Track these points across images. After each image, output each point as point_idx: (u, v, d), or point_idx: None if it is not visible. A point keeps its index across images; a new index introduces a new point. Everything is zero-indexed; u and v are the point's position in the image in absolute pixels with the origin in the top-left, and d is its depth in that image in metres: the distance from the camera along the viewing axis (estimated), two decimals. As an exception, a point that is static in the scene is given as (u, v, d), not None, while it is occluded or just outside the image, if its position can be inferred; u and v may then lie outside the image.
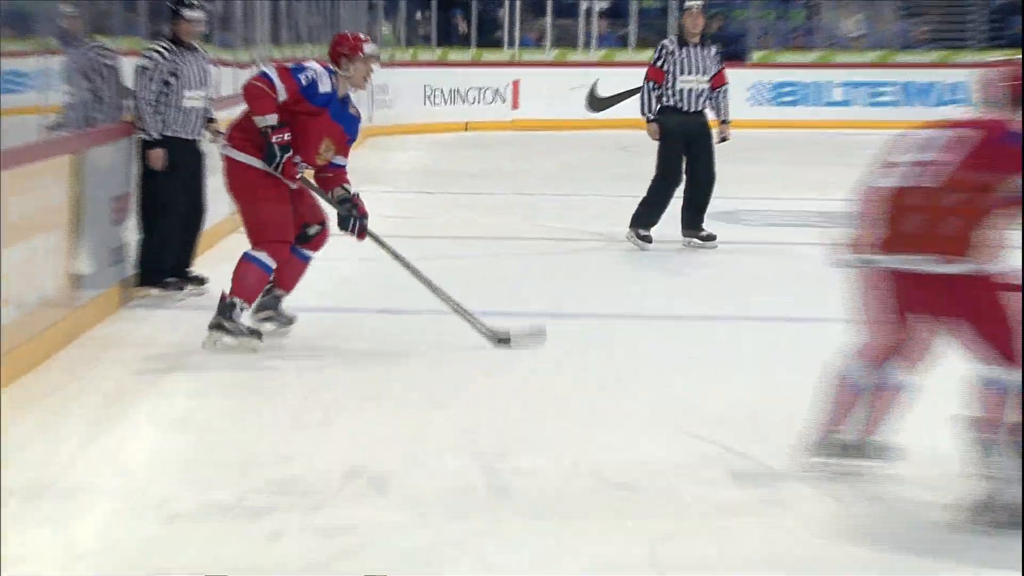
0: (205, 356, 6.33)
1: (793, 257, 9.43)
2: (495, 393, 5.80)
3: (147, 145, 7.44)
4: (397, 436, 5.11)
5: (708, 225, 9.79)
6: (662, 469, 4.72)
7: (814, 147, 18.54)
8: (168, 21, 7.62)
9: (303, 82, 6.38)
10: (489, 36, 22.22)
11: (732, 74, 10.19)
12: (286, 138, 6.36)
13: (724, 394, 5.77)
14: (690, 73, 9.60)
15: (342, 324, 7.02)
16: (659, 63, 9.63)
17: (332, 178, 6.65)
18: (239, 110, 6.59)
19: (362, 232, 6.64)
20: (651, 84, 9.64)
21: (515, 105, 20.80)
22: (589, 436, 5.14)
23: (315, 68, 6.46)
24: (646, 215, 9.71)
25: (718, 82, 9.74)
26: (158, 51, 7.49)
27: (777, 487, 4.57)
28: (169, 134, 7.50)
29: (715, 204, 11.97)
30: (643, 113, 9.67)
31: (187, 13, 7.53)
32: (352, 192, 6.65)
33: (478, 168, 15.67)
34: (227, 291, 6.43)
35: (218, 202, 8.98)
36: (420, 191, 13.42)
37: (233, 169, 6.49)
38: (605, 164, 15.57)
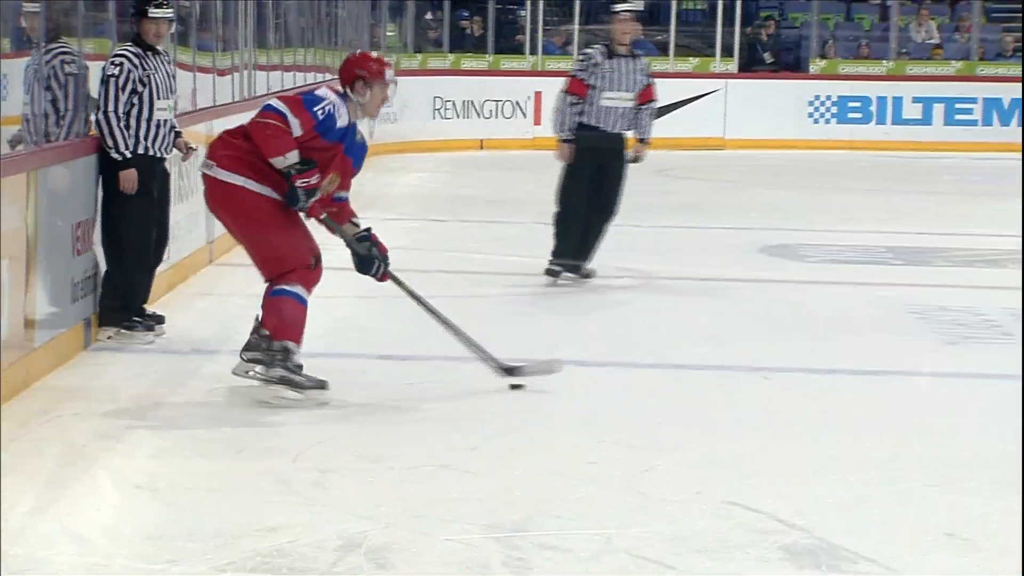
0: (175, 409, 6.32)
1: (860, 299, 9.39)
2: (515, 454, 5.78)
3: (115, 165, 7.45)
4: (400, 503, 5.08)
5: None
6: (708, 546, 4.69)
7: (883, 171, 18.53)
8: (132, 21, 7.64)
9: (319, 116, 6.35)
10: (508, 41, 22.29)
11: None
12: (313, 182, 6.33)
13: (781, 459, 5.74)
14: (617, 89, 9.51)
15: (337, 372, 6.99)
16: (583, 75, 9.54)
17: (337, 213, 6.63)
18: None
19: (385, 274, 6.64)
20: (571, 99, 9.55)
21: (537, 121, 20.84)
22: (624, 506, 5.11)
23: (331, 99, 6.41)
24: (558, 247, 9.65)
25: (645, 98, 9.63)
26: (127, 56, 7.51)
27: (841, 567, 4.53)
28: (140, 151, 7.52)
29: (769, 237, 12.03)
30: (557, 131, 9.60)
31: (153, 12, 7.55)
32: (367, 228, 6.64)
33: (495, 193, 15.69)
34: (266, 333, 6.41)
35: (191, 230, 9.02)
36: (428, 219, 13.44)
37: (229, 194, 6.42)
38: (639, 189, 15.51)
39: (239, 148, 6.43)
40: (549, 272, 9.63)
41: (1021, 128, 20.10)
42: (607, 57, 9.53)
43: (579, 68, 9.62)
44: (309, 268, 6.46)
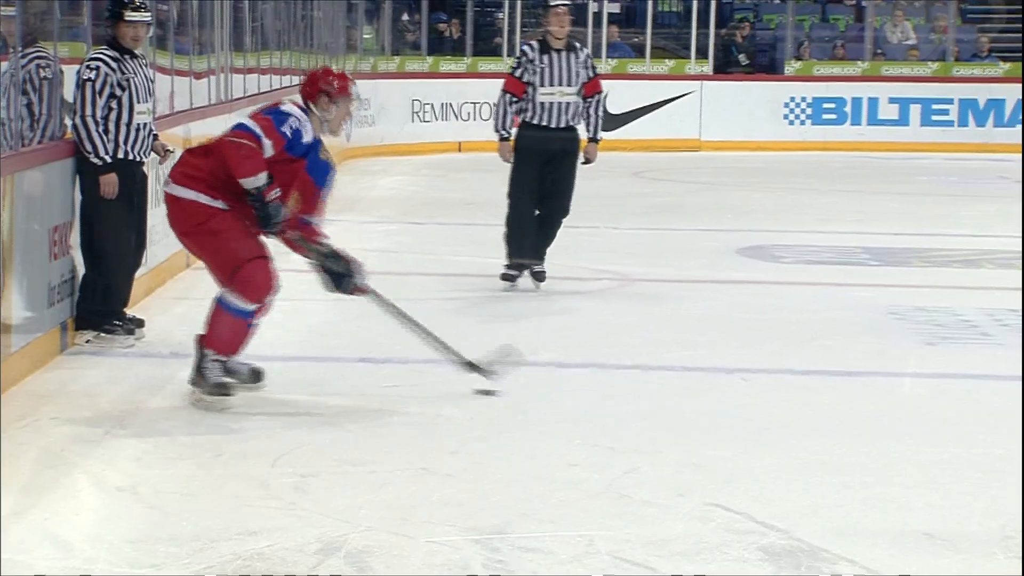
0: (155, 413, 6.30)
1: (837, 300, 9.40)
2: (495, 457, 5.77)
3: (95, 169, 7.42)
4: (381, 507, 5.08)
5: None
6: (688, 548, 4.69)
7: (859, 172, 18.57)
8: (108, 24, 7.61)
9: (288, 135, 6.35)
10: (486, 43, 22.29)
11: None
12: (278, 196, 6.31)
13: (761, 461, 5.74)
14: (553, 84, 9.41)
15: (317, 376, 7.00)
16: (518, 73, 9.49)
17: (303, 236, 6.60)
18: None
19: (356, 287, 6.59)
20: (508, 97, 9.48)
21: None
22: (605, 509, 5.11)
23: (297, 114, 6.43)
24: (510, 248, 9.54)
25: (591, 90, 9.53)
26: (103, 60, 7.48)
27: (820, 568, 4.54)
28: (120, 156, 7.49)
29: (744, 238, 12.03)
30: (495, 130, 9.57)
31: (130, 15, 7.52)
32: (334, 247, 6.59)
33: (473, 195, 15.68)
34: (201, 337, 6.43)
35: (168, 233, 8.99)
36: (406, 221, 13.43)
37: (180, 209, 6.42)
38: (615, 191, 15.58)
39: (195, 165, 6.44)
40: (505, 277, 9.52)
41: (1022, 129, 20.08)
42: (541, 53, 9.48)
43: (515, 66, 9.59)
44: (265, 258, 6.41)
